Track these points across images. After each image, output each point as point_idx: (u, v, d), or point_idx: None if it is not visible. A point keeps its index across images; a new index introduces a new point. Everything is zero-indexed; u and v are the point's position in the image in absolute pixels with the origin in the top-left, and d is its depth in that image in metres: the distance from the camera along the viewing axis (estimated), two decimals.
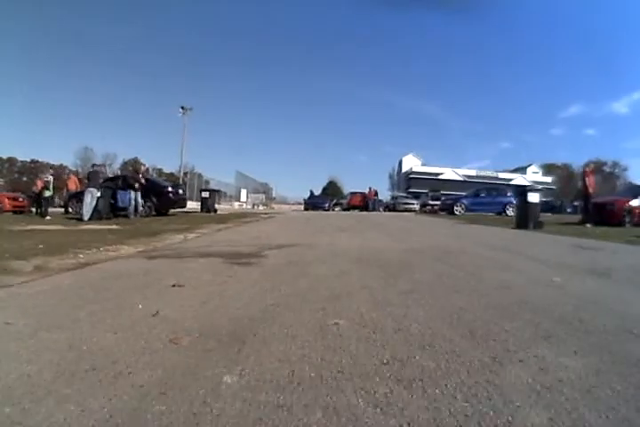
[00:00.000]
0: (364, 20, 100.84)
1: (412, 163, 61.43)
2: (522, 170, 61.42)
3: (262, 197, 39.22)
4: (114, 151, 66.53)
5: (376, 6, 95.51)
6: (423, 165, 59.91)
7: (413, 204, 29.78)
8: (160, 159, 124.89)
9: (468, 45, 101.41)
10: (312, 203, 32.79)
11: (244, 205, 34.34)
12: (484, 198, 19.17)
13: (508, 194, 19.22)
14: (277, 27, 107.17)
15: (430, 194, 32.49)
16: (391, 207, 30.45)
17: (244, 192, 35.21)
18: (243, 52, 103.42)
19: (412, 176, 56.60)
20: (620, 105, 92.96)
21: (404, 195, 36.55)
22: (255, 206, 34.44)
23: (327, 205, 32.21)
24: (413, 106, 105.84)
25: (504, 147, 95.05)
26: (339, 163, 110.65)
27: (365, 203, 30.06)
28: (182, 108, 37.20)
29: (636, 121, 77.67)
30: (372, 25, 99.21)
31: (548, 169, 66.12)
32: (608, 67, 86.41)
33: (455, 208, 18.52)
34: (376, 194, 31.09)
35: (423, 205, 29.13)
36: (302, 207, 34.54)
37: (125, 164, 62.65)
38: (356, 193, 33.27)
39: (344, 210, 31.17)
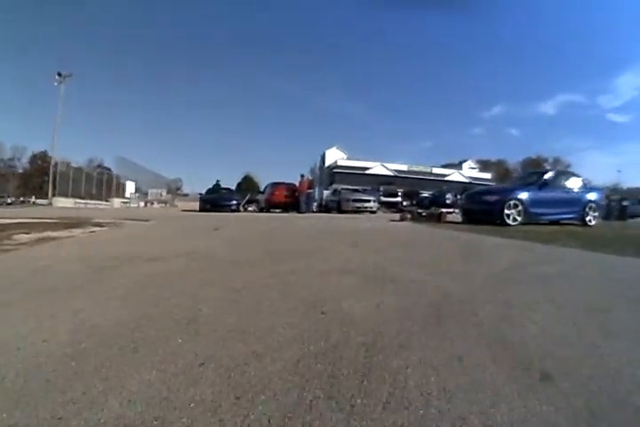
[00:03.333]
0: (289, 16, 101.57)
1: (336, 156, 62.08)
2: (456, 166, 63.28)
3: (162, 192, 36.74)
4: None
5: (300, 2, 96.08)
6: (349, 158, 60.70)
7: (370, 201, 21.82)
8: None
9: (395, 44, 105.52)
10: (212, 200, 21.75)
11: (130, 203, 31.43)
12: (554, 193, 12.06)
13: (585, 186, 13.13)
14: (195, 20, 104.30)
15: (383, 188, 29.80)
16: (331, 206, 23.11)
17: (130, 186, 32.30)
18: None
19: (336, 170, 56.89)
20: (546, 106, 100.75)
21: (355, 188, 26.72)
22: (149, 204, 31.96)
23: (235, 202, 22.18)
24: (337, 104, 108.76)
25: (426, 145, 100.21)
26: (257, 159, 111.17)
27: (295, 199, 21.33)
28: (59, 74, 33.52)
29: (562, 121, 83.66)
30: (297, 23, 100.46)
31: (483, 165, 68.96)
32: (534, 68, 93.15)
33: (507, 212, 11.07)
34: (311, 186, 22.54)
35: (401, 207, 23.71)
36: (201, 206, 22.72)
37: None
38: (279, 184, 23.19)
39: (261, 210, 23.52)
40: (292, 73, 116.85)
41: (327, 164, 62.39)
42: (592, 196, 12.90)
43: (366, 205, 21.65)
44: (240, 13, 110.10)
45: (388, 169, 58.05)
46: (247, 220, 13.03)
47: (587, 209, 12.66)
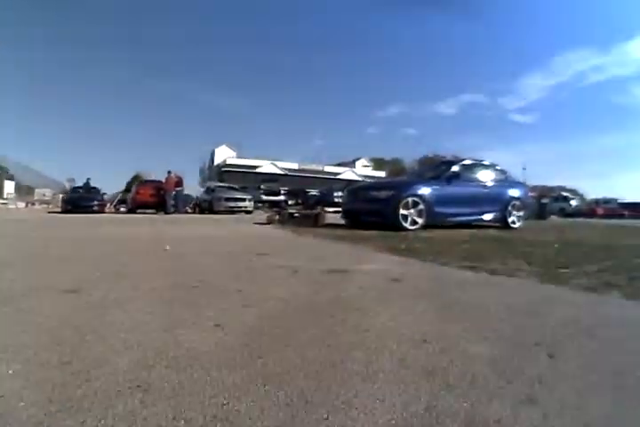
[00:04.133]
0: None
1: (225, 154, 60.29)
2: (349, 164, 62.59)
3: (45, 192, 36.69)
4: None
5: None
6: (238, 157, 59.08)
7: (245, 200, 19.98)
8: None
9: (291, 42, 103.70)
10: (73, 200, 19.24)
11: (8, 204, 30.28)
12: (468, 188, 9.11)
13: (507, 179, 10.27)
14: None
15: (264, 186, 26.45)
16: (204, 206, 21.28)
17: (9, 186, 31.80)
18: None
19: (225, 169, 54.86)
20: (446, 106, 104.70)
21: (229, 185, 24.39)
22: (29, 205, 30.80)
23: (96, 203, 19.26)
24: (228, 101, 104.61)
25: (320, 144, 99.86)
26: (149, 158, 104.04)
27: (162, 199, 19.18)
28: None
29: (463, 121, 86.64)
30: (179, 16, 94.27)
31: (377, 164, 68.55)
32: (434, 69, 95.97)
33: (404, 212, 8.01)
34: (179, 184, 19.73)
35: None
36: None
37: None
38: (144, 183, 21.47)
39: (129, 211, 20.92)
40: (179, 71, 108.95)
41: (216, 162, 60.17)
42: (515, 192, 10.14)
43: (240, 204, 19.59)
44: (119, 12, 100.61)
45: (277, 167, 56.42)
46: (60, 225, 9.68)
47: (509, 208, 9.77)
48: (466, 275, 3.43)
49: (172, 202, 18.81)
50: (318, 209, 11.47)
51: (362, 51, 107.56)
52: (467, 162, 9.52)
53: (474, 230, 8.45)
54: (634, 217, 27.96)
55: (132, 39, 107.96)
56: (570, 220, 20.44)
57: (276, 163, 57.17)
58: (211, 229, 8.57)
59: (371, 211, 8.40)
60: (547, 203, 18.75)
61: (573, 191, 50.77)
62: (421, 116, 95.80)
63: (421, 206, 8.07)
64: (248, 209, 19.51)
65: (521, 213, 9.74)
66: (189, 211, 21.87)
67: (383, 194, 8.27)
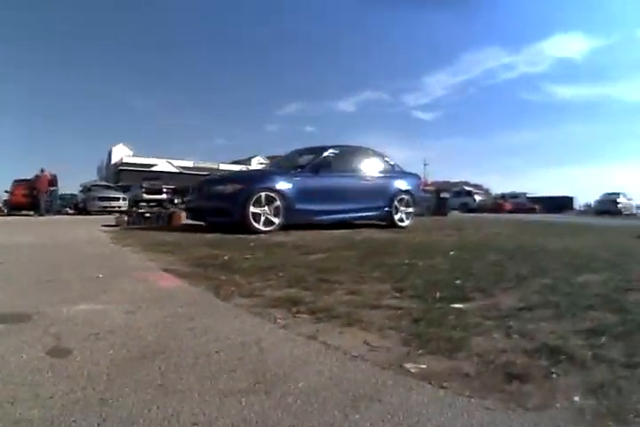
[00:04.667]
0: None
1: (122, 153, 57.60)
2: (245, 161, 62.44)
3: None
4: None
5: None
6: (135, 155, 56.61)
7: (118, 200, 19.11)
8: None
9: (189, 39, 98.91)
10: None
11: None
12: (341, 180, 7.53)
13: (393, 169, 8.54)
14: None
15: (145, 184, 23.62)
16: (81, 206, 19.91)
17: None
18: None
19: (122, 168, 52.72)
20: (346, 104, 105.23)
21: (106, 184, 23.57)
22: None
23: None
24: (126, 98, 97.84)
25: (220, 143, 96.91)
26: (53, 156, 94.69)
27: (35, 199, 17.45)
28: None
29: (364, 118, 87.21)
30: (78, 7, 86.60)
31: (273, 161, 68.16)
32: (336, 67, 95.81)
33: (254, 210, 6.40)
34: (53, 182, 18.11)
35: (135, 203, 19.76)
36: None
37: None
38: (20, 182, 19.37)
39: (8, 213, 18.87)
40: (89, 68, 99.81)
41: (113, 161, 57.47)
42: (403, 184, 8.45)
43: (114, 204, 18.80)
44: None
45: (173, 166, 54.86)
46: None
47: (396, 203, 8.17)
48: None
49: (47, 202, 17.38)
50: (171, 208, 9.28)
51: (262, 49, 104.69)
52: (339, 148, 7.87)
53: (348, 231, 6.94)
54: (547, 211, 27.40)
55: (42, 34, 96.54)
56: (472, 215, 19.58)
57: (172, 161, 55.77)
58: (37, 235, 6.79)
59: (215, 209, 6.68)
60: (447, 198, 17.44)
61: (478, 186, 51.60)
62: (321, 113, 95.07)
63: (278, 203, 6.48)
64: (122, 209, 17.86)
65: (411, 210, 8.24)
66: (70, 211, 20.80)
67: (229, 188, 6.58)
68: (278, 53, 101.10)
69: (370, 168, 7.95)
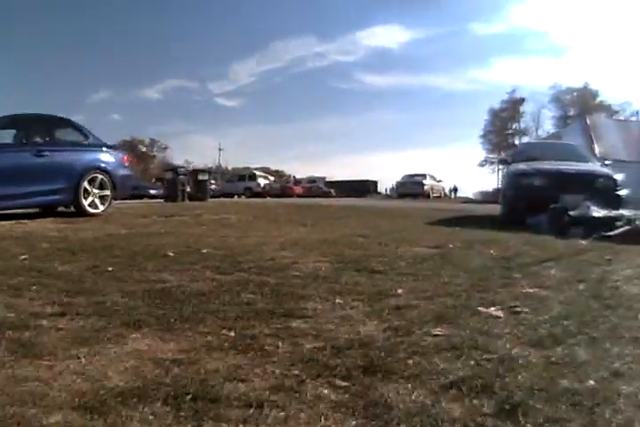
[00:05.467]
0: None
1: None
2: None
3: None
4: None
5: None
6: None
7: None
8: None
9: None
10: None
11: None
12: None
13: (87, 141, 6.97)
14: None
15: None
16: None
17: None
18: None
19: None
20: (151, 91, 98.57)
21: None
22: None
23: None
24: None
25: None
26: None
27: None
28: None
29: (170, 106, 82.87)
30: None
31: None
32: (136, 54, 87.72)
33: None
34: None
35: None
36: None
37: None
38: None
39: None
40: None
41: None
42: (97, 160, 6.98)
43: None
44: None
45: None
46: None
47: (85, 184, 6.60)
48: None
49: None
50: None
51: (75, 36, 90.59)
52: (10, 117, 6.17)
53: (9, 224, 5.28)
54: (348, 195, 27.15)
55: None
56: (242, 200, 19.15)
57: None
58: None
59: None
60: (206, 180, 15.56)
61: (280, 172, 52.35)
62: (128, 101, 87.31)
63: None
64: None
65: (107, 193, 6.77)
66: None
67: None
68: (93, 39, 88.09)
69: (50, 139, 6.43)
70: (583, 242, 4.68)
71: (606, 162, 7.90)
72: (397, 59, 78.19)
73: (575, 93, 46.18)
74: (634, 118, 30.57)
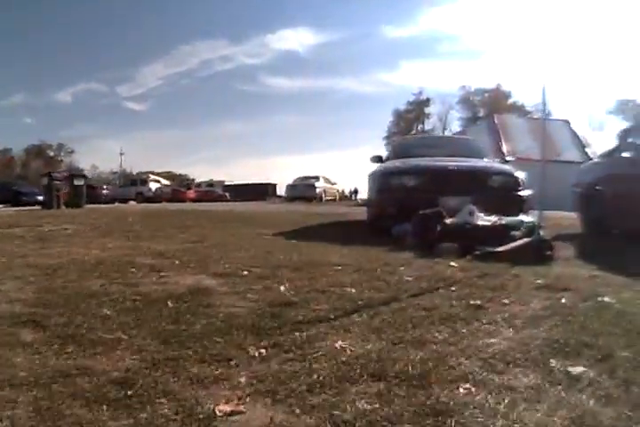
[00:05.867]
0: None
1: None
2: None
3: None
4: None
5: None
6: None
7: None
8: None
9: None
10: None
11: None
12: None
13: None
14: None
15: None
16: None
17: None
18: None
19: None
20: (64, 94, 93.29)
21: None
22: None
23: None
24: None
25: None
26: None
27: None
28: None
29: (80, 109, 78.79)
30: None
31: None
32: (48, 58, 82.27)
33: None
34: None
35: None
36: None
37: None
38: None
39: None
40: None
41: None
42: None
43: None
44: None
45: None
46: None
47: None
48: None
49: None
50: None
51: None
52: None
53: None
54: (245, 199, 25.42)
55: None
56: (123, 206, 17.05)
57: None
58: None
59: None
60: (82, 185, 13.83)
61: (183, 176, 49.64)
62: (41, 104, 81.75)
63: None
64: None
65: None
66: None
67: None
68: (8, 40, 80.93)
69: None
70: (453, 263, 3.10)
71: (508, 158, 6.44)
72: (305, 62, 77.06)
73: (487, 95, 45.75)
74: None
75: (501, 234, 3.74)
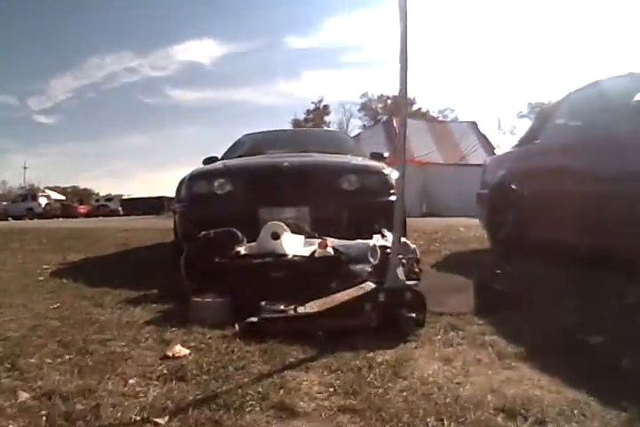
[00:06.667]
0: None
1: None
2: None
3: None
4: None
5: None
6: None
7: None
8: None
9: None
10: None
11: None
12: None
13: None
14: None
15: None
16: None
17: None
18: None
19: None
20: None
21: None
22: None
23: None
24: None
25: None
26: None
27: None
28: None
29: None
30: None
31: None
32: None
33: None
34: None
35: None
36: None
37: None
38: None
39: None
40: None
41: None
42: None
43: None
44: None
45: None
46: None
47: None
48: None
49: None
50: None
51: None
52: None
53: None
54: (143, 213, 23.96)
55: None
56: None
57: None
58: None
59: None
60: None
61: (87, 190, 47.73)
62: None
63: None
64: None
65: None
66: None
67: None
68: None
69: None
70: (172, 351, 1.46)
71: (385, 154, 4.80)
72: (208, 73, 75.13)
73: (389, 101, 44.52)
74: None
75: (331, 274, 2.13)
